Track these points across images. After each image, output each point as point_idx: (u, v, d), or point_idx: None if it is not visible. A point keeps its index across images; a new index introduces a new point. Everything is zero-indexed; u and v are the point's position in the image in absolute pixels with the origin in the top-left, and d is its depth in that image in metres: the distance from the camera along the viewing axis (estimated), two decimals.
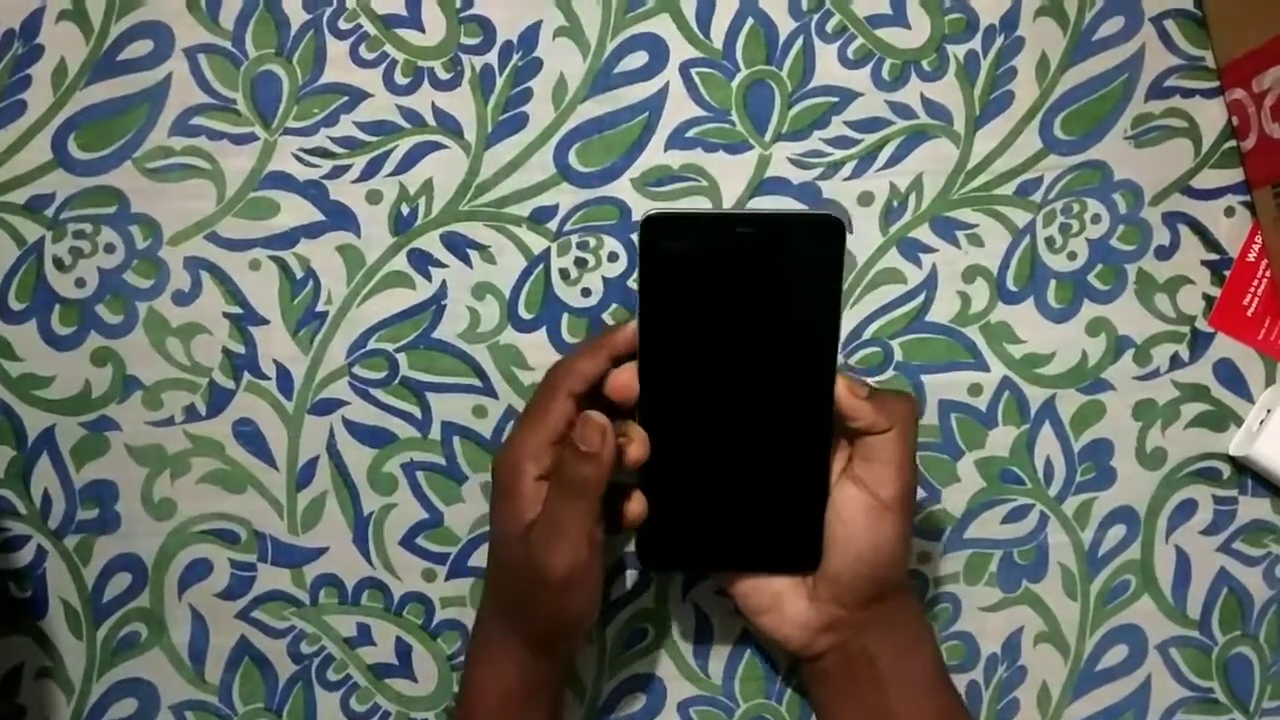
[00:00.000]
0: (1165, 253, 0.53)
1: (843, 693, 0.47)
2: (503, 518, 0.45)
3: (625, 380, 0.44)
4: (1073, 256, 0.53)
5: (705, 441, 0.45)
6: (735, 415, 0.44)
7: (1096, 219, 0.53)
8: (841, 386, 0.44)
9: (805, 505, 0.45)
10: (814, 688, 0.49)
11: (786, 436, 0.45)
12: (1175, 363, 0.53)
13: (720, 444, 0.45)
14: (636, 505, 0.45)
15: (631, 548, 0.52)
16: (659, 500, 0.45)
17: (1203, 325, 0.53)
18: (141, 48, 0.52)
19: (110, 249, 0.52)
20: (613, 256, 0.53)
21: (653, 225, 0.42)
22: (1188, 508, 0.53)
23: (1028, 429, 0.53)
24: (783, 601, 0.47)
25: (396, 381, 0.52)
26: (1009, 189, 0.53)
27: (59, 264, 0.52)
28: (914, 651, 0.47)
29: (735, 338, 0.43)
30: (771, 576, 0.47)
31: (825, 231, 0.42)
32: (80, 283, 0.52)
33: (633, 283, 0.52)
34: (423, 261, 0.52)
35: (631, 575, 0.52)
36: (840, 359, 0.52)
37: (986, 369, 0.53)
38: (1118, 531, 0.53)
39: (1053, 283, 0.53)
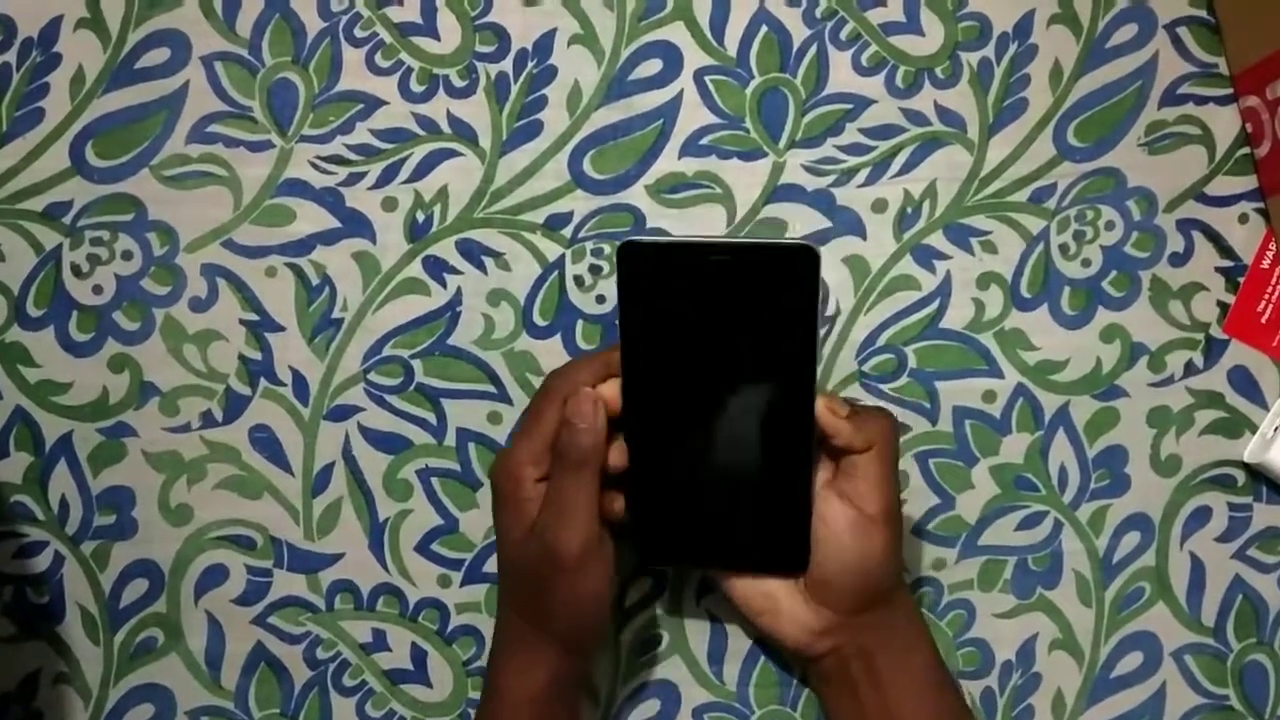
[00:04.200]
0: (1179, 259, 0.53)
1: (843, 692, 0.48)
2: (508, 523, 0.46)
3: (611, 393, 0.45)
4: (1087, 263, 0.53)
5: (690, 453, 0.46)
6: (718, 431, 0.45)
7: (1110, 226, 0.53)
8: (821, 405, 0.45)
9: (790, 512, 0.46)
10: (817, 687, 0.51)
11: (769, 451, 0.45)
12: (1189, 369, 0.53)
13: (704, 456, 0.46)
14: (615, 503, 0.46)
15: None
16: (653, 500, 0.46)
17: (1217, 332, 0.53)
18: (158, 56, 0.52)
19: (128, 256, 0.52)
20: None
21: (629, 253, 0.43)
22: (1202, 515, 0.53)
23: (1042, 435, 0.53)
24: (779, 604, 0.47)
25: (412, 388, 0.52)
26: (1023, 196, 0.53)
27: (77, 271, 0.52)
28: (911, 651, 0.48)
29: (714, 360, 0.44)
30: (764, 578, 0.48)
31: (799, 260, 0.42)
32: (98, 290, 0.52)
33: None
34: (438, 268, 0.53)
35: (647, 582, 0.52)
36: (854, 365, 0.52)
37: (1000, 375, 0.53)
38: (1132, 538, 0.53)
39: (1067, 289, 0.53)
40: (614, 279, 0.53)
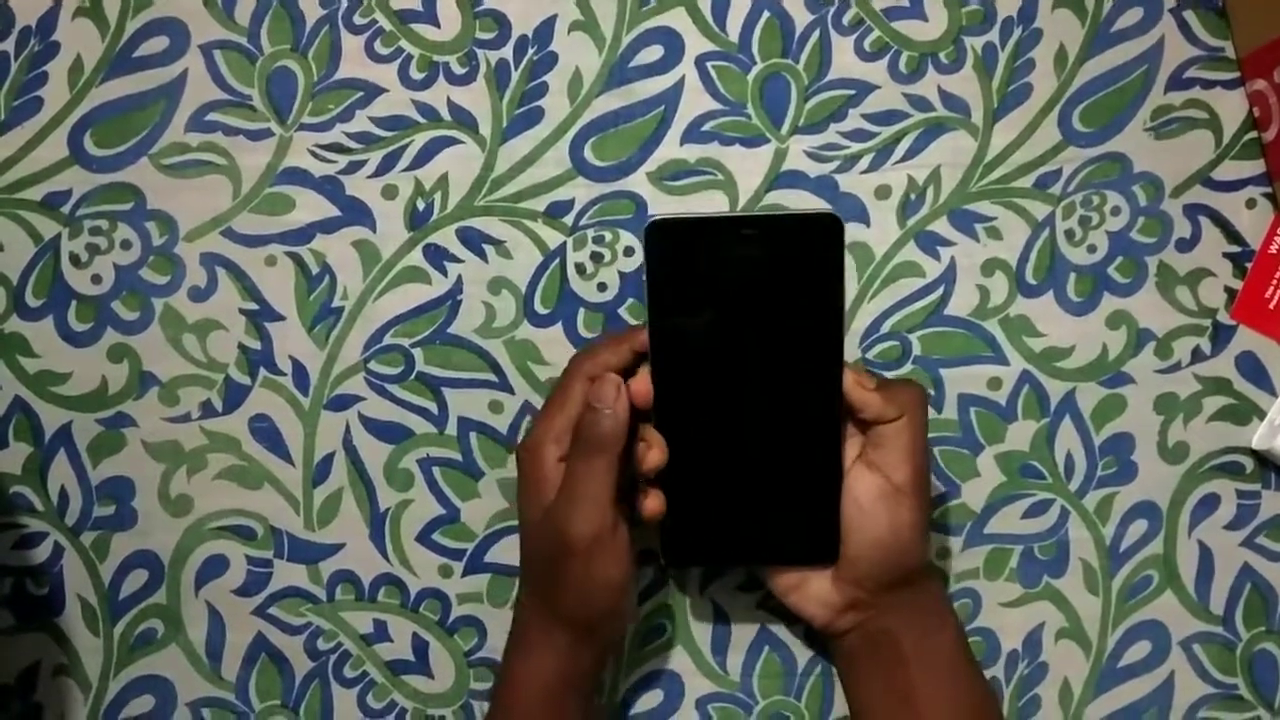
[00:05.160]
0: (1186, 245, 0.53)
1: (866, 669, 0.48)
2: (528, 502, 0.45)
3: (643, 387, 0.44)
4: (1092, 249, 0.53)
5: (720, 440, 0.45)
6: (748, 413, 0.45)
7: (1116, 211, 0.53)
8: (850, 379, 0.44)
9: (820, 499, 0.46)
10: (839, 663, 0.50)
11: (798, 432, 0.45)
12: (1197, 356, 0.53)
13: (734, 442, 0.45)
14: (654, 502, 0.45)
15: (650, 544, 0.52)
16: (678, 498, 0.45)
17: (1224, 318, 0.53)
18: (157, 44, 0.52)
19: (126, 245, 0.52)
20: (628, 251, 0.52)
21: (657, 231, 0.43)
22: (1210, 502, 0.53)
23: (1048, 423, 0.53)
24: (808, 581, 0.47)
25: (413, 377, 0.52)
26: (1028, 182, 0.53)
27: (76, 260, 0.52)
28: (936, 633, 0.48)
29: (743, 337, 0.44)
30: (793, 571, 0.47)
31: (824, 229, 0.42)
32: (97, 279, 0.52)
33: None
34: (438, 257, 0.52)
35: (649, 571, 0.52)
36: (858, 353, 0.52)
37: (1006, 363, 0.53)
38: (1139, 526, 0.53)
39: (1072, 276, 0.53)
40: (615, 267, 0.52)
